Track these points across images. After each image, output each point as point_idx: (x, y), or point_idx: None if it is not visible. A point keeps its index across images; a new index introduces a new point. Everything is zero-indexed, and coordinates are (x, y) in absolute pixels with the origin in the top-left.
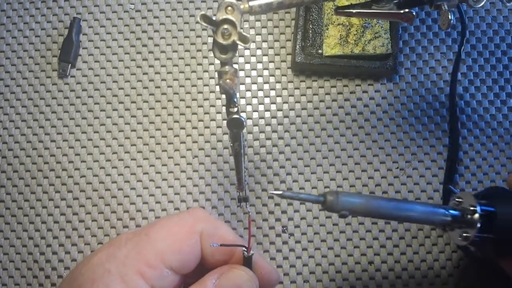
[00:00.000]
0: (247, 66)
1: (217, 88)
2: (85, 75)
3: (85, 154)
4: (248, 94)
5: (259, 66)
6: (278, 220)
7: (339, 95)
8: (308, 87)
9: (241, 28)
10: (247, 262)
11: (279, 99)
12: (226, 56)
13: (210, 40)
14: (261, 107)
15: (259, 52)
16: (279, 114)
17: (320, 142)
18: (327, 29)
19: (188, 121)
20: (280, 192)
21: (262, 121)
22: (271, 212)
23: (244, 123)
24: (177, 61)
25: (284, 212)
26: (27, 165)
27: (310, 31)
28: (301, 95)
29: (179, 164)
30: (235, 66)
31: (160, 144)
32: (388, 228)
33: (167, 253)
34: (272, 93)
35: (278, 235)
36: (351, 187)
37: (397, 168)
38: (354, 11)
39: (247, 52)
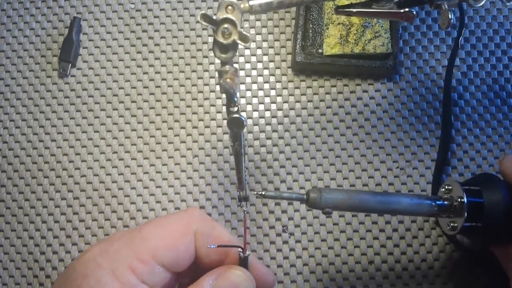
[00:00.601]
0: (248, 66)
1: (218, 88)
2: (86, 74)
3: (85, 154)
4: (248, 93)
5: (259, 65)
6: (278, 219)
7: (339, 94)
8: (308, 87)
9: (242, 28)
10: (243, 263)
11: (279, 99)
12: (227, 55)
13: (211, 39)
14: (261, 107)
15: (259, 51)
16: (279, 113)
17: (321, 142)
18: (327, 28)
19: (188, 120)
20: (262, 193)
21: (262, 121)
22: (271, 212)
23: (245, 122)
24: (178, 61)
25: (284, 211)
26: (27, 164)
27: (310, 31)
28: (301, 95)
29: (180, 164)
30: (236, 65)
31: (161, 143)
32: (388, 228)
33: (159, 249)
34: (272, 92)
35: (278, 235)
36: (351, 187)
37: (397, 167)
38: (354, 10)
39: (247, 52)
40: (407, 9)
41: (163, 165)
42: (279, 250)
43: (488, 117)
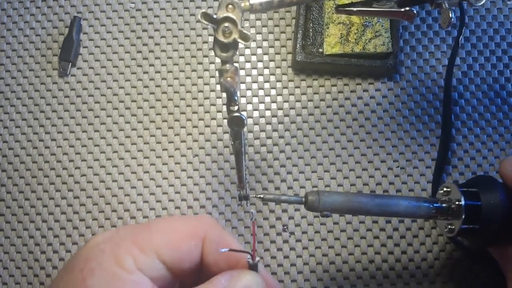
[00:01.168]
0: (248, 65)
1: (218, 87)
2: (86, 74)
3: (85, 153)
4: (249, 93)
5: (260, 65)
6: (278, 219)
7: (339, 94)
8: (308, 86)
9: (242, 27)
10: (253, 270)
11: (279, 98)
12: (227, 54)
13: (211, 39)
14: (261, 106)
15: (259, 51)
16: (280, 113)
17: (321, 141)
18: (328, 28)
19: (188, 120)
20: (261, 195)
21: (262, 120)
22: (271, 211)
23: (245, 121)
24: (178, 60)
25: (284, 211)
26: (27, 164)
27: (311, 30)
28: (302, 94)
29: (180, 163)
30: (236, 64)
31: (161, 143)
32: (389, 227)
33: (161, 246)
34: (273, 92)
35: (278, 234)
36: (351, 186)
37: (398, 167)
38: (354, 9)
39: (247, 51)
40: (407, 8)
41: (163, 164)
42: (279, 249)
43: (488, 116)
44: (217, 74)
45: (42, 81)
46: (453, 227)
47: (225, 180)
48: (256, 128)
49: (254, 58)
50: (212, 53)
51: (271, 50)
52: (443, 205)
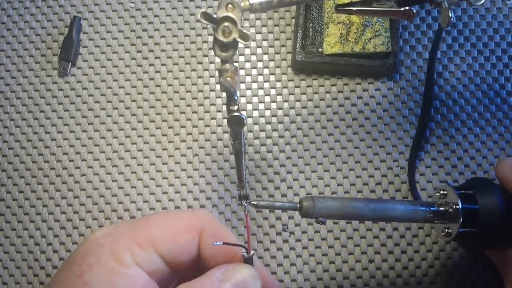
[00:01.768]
0: (248, 65)
1: (218, 87)
2: (86, 73)
3: (85, 153)
4: (249, 92)
5: (260, 64)
6: (278, 218)
7: (339, 93)
8: (308, 86)
9: (242, 26)
10: (248, 263)
11: (279, 98)
12: (227, 54)
13: (211, 38)
14: (261, 106)
15: (259, 50)
16: (280, 112)
17: (321, 141)
18: (328, 27)
19: (188, 120)
20: (254, 203)
21: (262, 120)
22: (271, 211)
23: (245, 120)
24: (178, 60)
25: (284, 210)
26: (27, 164)
27: (311, 30)
28: (302, 94)
29: (180, 163)
30: (236, 64)
31: (161, 142)
32: (388, 227)
33: (159, 239)
34: (273, 91)
35: (278, 234)
36: (351, 186)
37: (398, 166)
38: (354, 9)
39: (247, 51)
40: (407, 8)
41: (163, 164)
42: (279, 249)
43: (488, 116)
44: (217, 73)
45: (42, 80)
46: (450, 230)
47: (225, 179)
48: (256, 127)
49: (254, 57)
50: (212, 52)
51: (271, 50)
52: (440, 208)
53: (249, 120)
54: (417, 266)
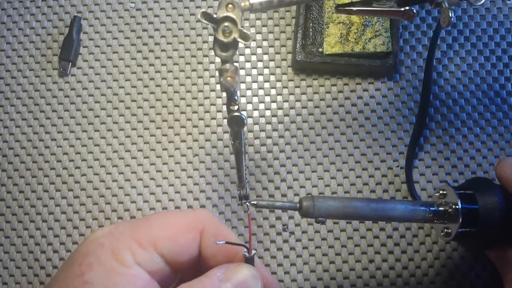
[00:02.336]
0: (248, 65)
1: (218, 87)
2: (86, 73)
3: (85, 153)
4: (249, 92)
5: (260, 64)
6: (278, 218)
7: (339, 93)
8: (308, 86)
9: (242, 26)
10: (249, 263)
11: (279, 98)
12: (227, 54)
13: (211, 38)
14: (261, 106)
15: (259, 50)
16: (280, 112)
17: (321, 141)
18: (328, 27)
19: (189, 120)
20: (254, 202)
21: (262, 120)
22: (271, 211)
23: (245, 120)
24: (178, 60)
25: (284, 210)
26: (27, 163)
27: (311, 30)
28: (302, 94)
29: (180, 163)
30: (236, 64)
31: (161, 142)
32: (388, 227)
33: (159, 239)
34: (273, 91)
35: (278, 234)
36: (351, 186)
37: (398, 166)
38: (354, 9)
39: (247, 51)
40: (407, 8)
41: (163, 164)
42: (279, 249)
43: (488, 116)
44: (217, 73)
45: (42, 80)
46: (450, 230)
47: (225, 179)
48: (256, 127)
49: (254, 57)
50: (212, 52)
51: (271, 50)
52: (440, 208)
53: (249, 120)
54: (417, 266)
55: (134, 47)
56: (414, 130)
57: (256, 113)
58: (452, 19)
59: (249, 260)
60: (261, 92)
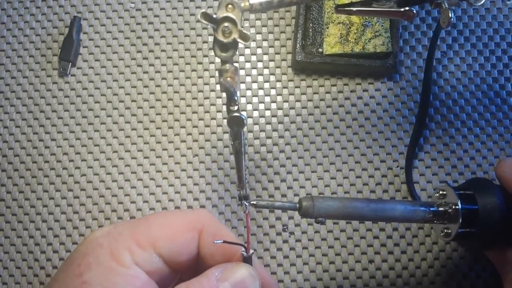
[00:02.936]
0: (248, 65)
1: (218, 87)
2: (86, 73)
3: (85, 153)
4: (249, 93)
5: (260, 65)
6: (278, 218)
7: (339, 93)
8: (308, 86)
9: (242, 26)
10: (247, 263)
11: (279, 98)
12: (227, 54)
13: (211, 39)
14: (261, 106)
15: (259, 51)
16: (280, 112)
17: (321, 141)
18: (328, 27)
19: (188, 120)
20: (254, 202)
21: (262, 120)
22: (271, 211)
23: (245, 120)
24: (178, 60)
25: (284, 210)
26: (27, 163)
27: (311, 30)
28: (302, 94)
29: (180, 163)
30: (236, 64)
31: (161, 143)
32: (388, 227)
33: (158, 239)
34: (273, 91)
35: (278, 234)
36: (351, 186)
37: (397, 166)
38: (354, 9)
39: (247, 51)
40: (407, 8)
41: (163, 164)
42: (279, 249)
43: (488, 116)
44: (217, 74)
45: (42, 81)
46: (450, 231)
47: (225, 180)
48: (256, 128)
49: (254, 58)
50: (212, 53)
51: (271, 50)
52: (440, 209)
53: (249, 120)
54: (417, 266)
55: (134, 47)
56: (414, 130)
57: (256, 113)
58: (452, 19)
59: (247, 260)
60: (261, 92)
